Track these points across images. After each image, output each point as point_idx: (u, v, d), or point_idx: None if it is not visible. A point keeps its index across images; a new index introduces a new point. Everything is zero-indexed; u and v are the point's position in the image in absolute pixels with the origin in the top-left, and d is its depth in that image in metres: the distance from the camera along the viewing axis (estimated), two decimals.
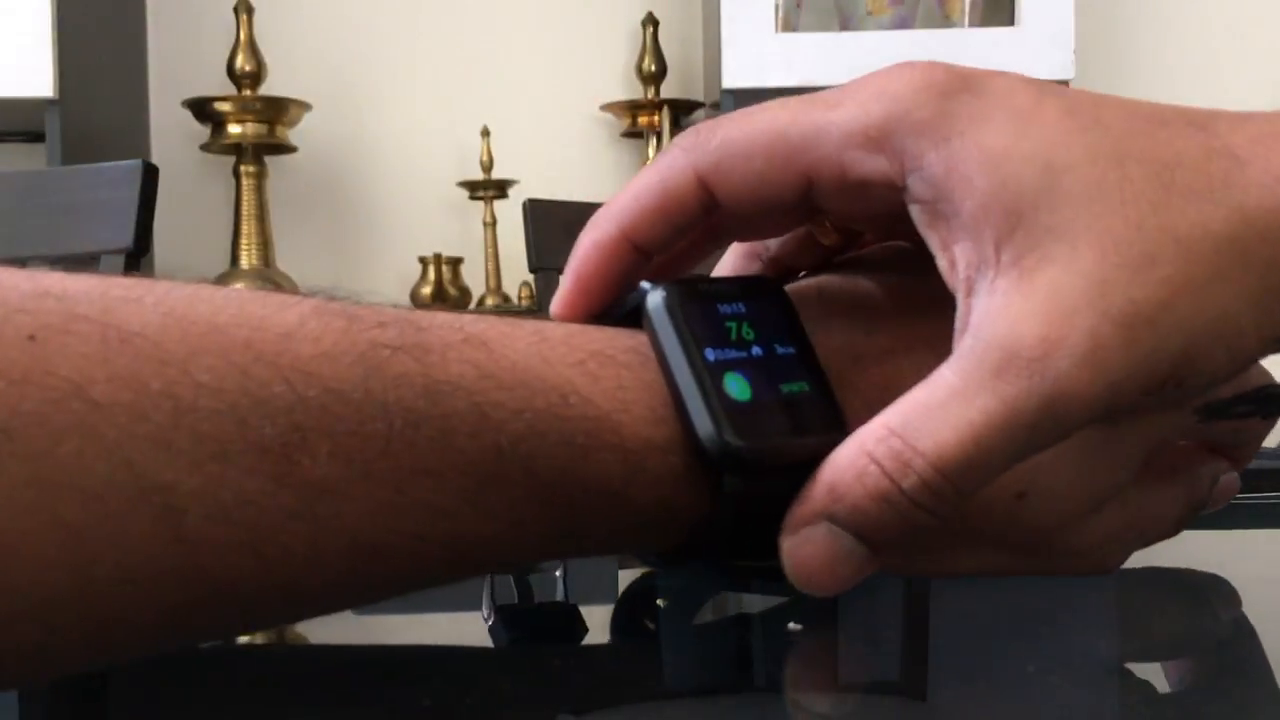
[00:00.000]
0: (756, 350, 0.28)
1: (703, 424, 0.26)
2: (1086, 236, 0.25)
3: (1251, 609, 0.33)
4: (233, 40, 2.10)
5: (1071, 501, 0.30)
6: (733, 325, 0.28)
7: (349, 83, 2.26)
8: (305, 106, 2.10)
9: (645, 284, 0.28)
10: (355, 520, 0.23)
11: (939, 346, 0.26)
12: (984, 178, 0.26)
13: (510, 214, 2.02)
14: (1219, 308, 0.25)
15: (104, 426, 0.21)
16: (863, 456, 0.25)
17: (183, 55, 2.22)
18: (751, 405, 0.26)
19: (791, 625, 0.29)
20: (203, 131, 2.10)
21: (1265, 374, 0.32)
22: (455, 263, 2.15)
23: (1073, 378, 0.24)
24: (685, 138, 0.29)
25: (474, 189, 2.18)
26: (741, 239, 0.32)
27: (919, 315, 0.29)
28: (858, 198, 0.28)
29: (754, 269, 0.33)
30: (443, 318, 0.26)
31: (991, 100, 0.27)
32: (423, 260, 2.13)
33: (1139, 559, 0.32)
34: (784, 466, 0.26)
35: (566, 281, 0.30)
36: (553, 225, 1.41)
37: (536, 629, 0.32)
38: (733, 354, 0.27)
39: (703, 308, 0.28)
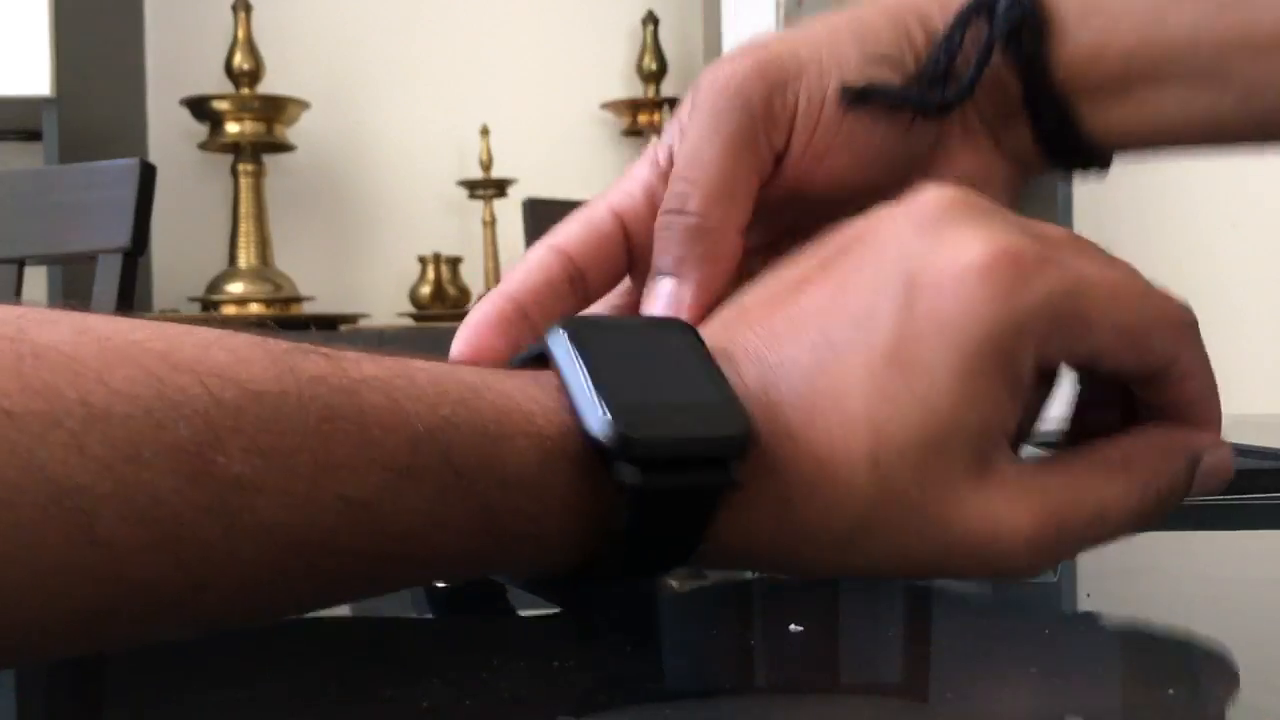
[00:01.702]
0: (659, 369, 0.28)
1: (594, 417, 0.26)
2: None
3: (1251, 610, 0.33)
4: (231, 39, 2.10)
5: (919, 444, 0.28)
6: (634, 346, 0.29)
7: (347, 81, 2.26)
8: (304, 105, 2.10)
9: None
10: (270, 514, 0.23)
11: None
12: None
13: (510, 213, 2.02)
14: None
15: (16, 434, 0.21)
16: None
17: (181, 54, 2.22)
18: (647, 406, 0.27)
19: (792, 626, 0.29)
20: (201, 130, 2.10)
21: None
22: (454, 262, 2.15)
23: None
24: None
25: (473, 188, 2.18)
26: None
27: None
28: None
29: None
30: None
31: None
32: (422, 259, 2.14)
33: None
34: (681, 459, 0.26)
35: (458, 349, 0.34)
36: (552, 224, 1.41)
37: (461, 599, 0.32)
38: (631, 368, 0.28)
39: (602, 333, 0.29)
